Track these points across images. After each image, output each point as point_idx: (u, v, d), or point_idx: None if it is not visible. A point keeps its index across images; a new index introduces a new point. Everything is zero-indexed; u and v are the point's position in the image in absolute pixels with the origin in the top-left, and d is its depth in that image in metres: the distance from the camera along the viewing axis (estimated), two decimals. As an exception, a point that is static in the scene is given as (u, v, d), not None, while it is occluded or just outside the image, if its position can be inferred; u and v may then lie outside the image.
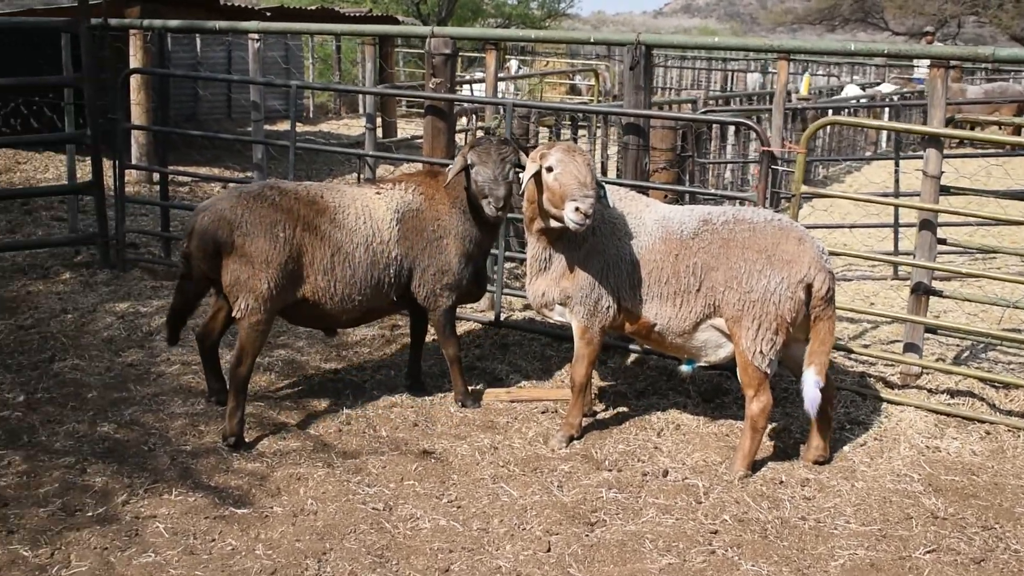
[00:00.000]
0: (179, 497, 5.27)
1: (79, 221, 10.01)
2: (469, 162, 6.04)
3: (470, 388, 6.61)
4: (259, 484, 5.44)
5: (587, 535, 5.02)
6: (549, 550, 4.88)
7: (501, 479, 5.58)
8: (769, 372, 5.60)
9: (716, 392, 6.74)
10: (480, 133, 9.13)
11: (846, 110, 16.57)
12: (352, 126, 22.98)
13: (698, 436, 6.20)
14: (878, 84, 25.39)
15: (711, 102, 14.11)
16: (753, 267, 5.52)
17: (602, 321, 5.87)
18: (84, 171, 9.73)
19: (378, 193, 6.23)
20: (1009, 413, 6.50)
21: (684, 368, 6.15)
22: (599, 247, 5.79)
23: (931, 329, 6.95)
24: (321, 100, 25.13)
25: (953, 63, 6.24)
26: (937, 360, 7.23)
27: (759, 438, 5.71)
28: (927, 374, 6.88)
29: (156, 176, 13.21)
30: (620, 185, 6.45)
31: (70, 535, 4.88)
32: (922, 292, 6.60)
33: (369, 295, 6.10)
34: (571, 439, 6.06)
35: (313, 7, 17.09)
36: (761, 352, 5.54)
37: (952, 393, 6.72)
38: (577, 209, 5.34)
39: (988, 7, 47.82)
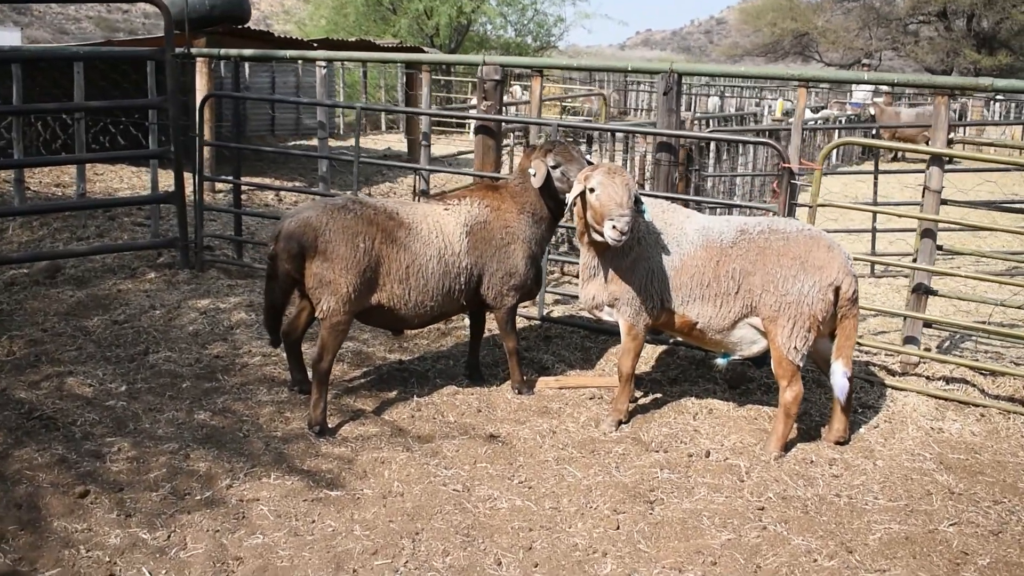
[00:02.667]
0: (277, 481, 4.91)
1: (158, 226, 9.59)
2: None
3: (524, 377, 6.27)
4: (347, 467, 5.09)
5: (650, 513, 4.70)
6: (618, 528, 4.56)
7: (564, 461, 5.25)
8: (800, 365, 5.30)
9: (741, 380, 6.41)
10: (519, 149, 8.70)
11: (821, 131, 16.23)
12: (378, 141, 22.57)
13: (731, 420, 5.88)
14: (823, 107, 25.09)
15: (695, 123, 13.74)
16: (788, 272, 5.22)
17: (647, 320, 5.56)
18: (160, 183, 9.27)
19: (446, 209, 5.86)
20: (997, 397, 6.22)
21: (720, 361, 5.85)
22: (645, 255, 5.48)
23: (927, 323, 6.66)
24: (349, 119, 24.68)
25: (955, 91, 5.88)
26: (926, 350, 6.93)
27: (791, 423, 5.40)
28: (923, 363, 6.59)
29: (217, 185, 12.88)
30: (665, 199, 6.10)
31: (183, 518, 4.52)
32: (923, 292, 6.30)
33: (440, 301, 5.74)
34: (620, 423, 5.74)
35: (353, 39, 16.62)
36: (796, 348, 5.23)
37: (947, 380, 6.43)
38: (614, 227, 5.05)
39: (905, 43, 47.74)
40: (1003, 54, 41.54)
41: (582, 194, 5.31)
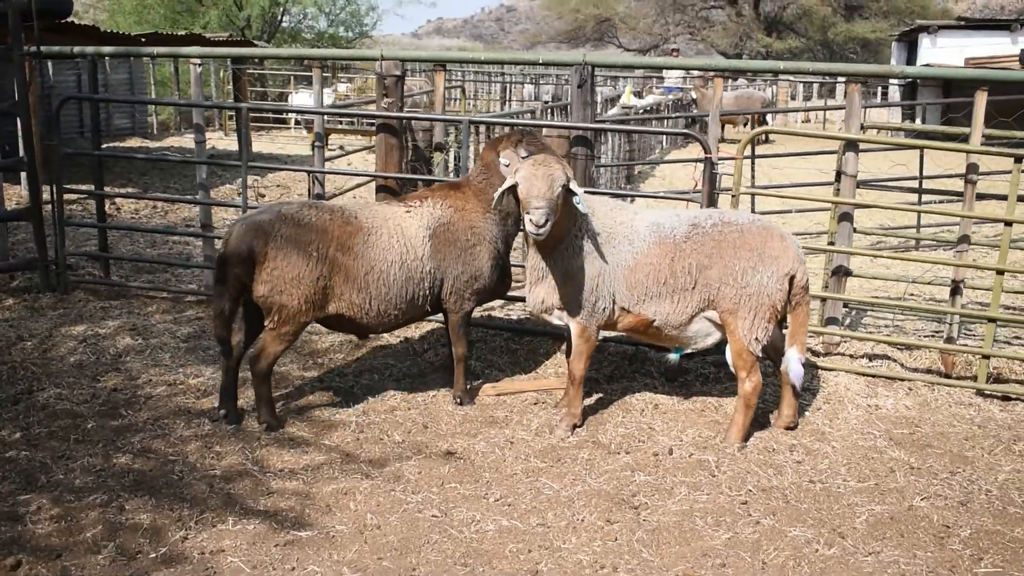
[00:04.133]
0: (236, 527, 4.45)
1: (5, 246, 8.56)
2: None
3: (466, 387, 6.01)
4: (308, 503, 4.68)
5: (643, 520, 4.58)
6: (616, 539, 4.41)
7: (533, 473, 5.04)
8: (759, 355, 5.33)
9: (678, 372, 6.41)
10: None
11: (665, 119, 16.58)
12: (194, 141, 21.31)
13: (680, 414, 5.86)
14: (638, 92, 25.74)
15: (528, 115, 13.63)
16: (747, 264, 5.22)
17: (599, 320, 5.43)
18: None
19: (408, 211, 5.55)
20: (916, 370, 6.53)
21: (672, 356, 5.82)
22: (595, 254, 5.34)
23: (844, 304, 6.90)
24: (162, 117, 23.19)
25: (862, 79, 6.07)
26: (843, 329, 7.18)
27: (751, 413, 5.42)
28: (844, 342, 6.82)
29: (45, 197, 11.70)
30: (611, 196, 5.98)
31: (145, 582, 4.01)
32: (842, 274, 6.51)
33: (404, 308, 5.46)
34: (575, 427, 5.59)
35: (183, 32, 15.50)
36: (756, 339, 5.26)
37: (870, 357, 6.69)
38: (530, 220, 4.90)
39: (700, 28, 50.13)
40: (791, 37, 44.35)
41: (513, 188, 5.10)
